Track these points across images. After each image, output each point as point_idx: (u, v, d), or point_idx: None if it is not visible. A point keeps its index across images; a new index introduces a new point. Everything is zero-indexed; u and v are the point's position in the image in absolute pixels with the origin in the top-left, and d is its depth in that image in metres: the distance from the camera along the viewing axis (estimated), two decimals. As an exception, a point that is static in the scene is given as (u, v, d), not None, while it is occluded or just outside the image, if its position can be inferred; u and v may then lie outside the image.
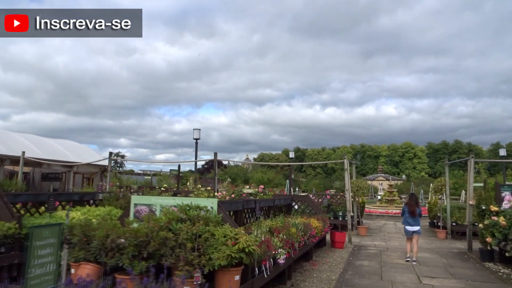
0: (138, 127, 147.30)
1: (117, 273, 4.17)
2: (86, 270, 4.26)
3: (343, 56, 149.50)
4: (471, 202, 10.65)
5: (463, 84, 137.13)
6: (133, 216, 5.49)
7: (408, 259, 9.14)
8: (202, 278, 3.98)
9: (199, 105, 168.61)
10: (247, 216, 7.76)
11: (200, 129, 18.49)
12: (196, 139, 18.27)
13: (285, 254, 5.83)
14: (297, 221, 7.61)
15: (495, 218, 8.48)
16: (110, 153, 15.74)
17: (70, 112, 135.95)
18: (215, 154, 13.34)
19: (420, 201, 31.09)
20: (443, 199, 16.95)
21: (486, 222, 8.79)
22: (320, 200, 16.23)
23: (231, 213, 7.10)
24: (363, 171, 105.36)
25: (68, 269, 4.42)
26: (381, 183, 64.47)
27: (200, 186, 26.28)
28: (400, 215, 20.83)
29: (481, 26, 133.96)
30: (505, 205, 9.12)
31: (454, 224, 13.67)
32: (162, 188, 13.64)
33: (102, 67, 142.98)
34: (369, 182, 54.66)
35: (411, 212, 9.10)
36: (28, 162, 15.55)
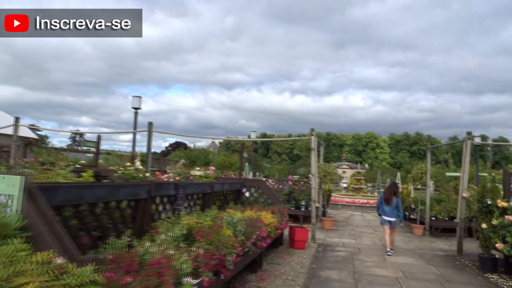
0: (101, 105, 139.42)
1: None
2: None
3: (315, 45, 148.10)
4: (464, 195, 8.51)
5: (427, 79, 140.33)
6: None
7: (389, 253, 8.33)
8: None
9: (167, 86, 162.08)
10: (160, 208, 4.99)
11: (141, 97, 15.31)
12: (136, 109, 15.08)
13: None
14: (235, 218, 4.92)
15: (511, 217, 6.28)
16: (17, 118, 12.30)
17: (28, 87, 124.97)
18: (150, 125, 10.40)
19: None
20: (418, 189, 15.05)
21: (494, 222, 6.59)
22: (281, 186, 13.77)
23: (133, 202, 4.35)
24: (328, 159, 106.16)
25: None
26: (345, 171, 63.85)
27: (139, 164, 22.84)
28: (374, 205, 18.73)
29: (447, 24, 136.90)
30: (515, 199, 6.99)
31: (433, 219, 11.68)
32: (78, 166, 10.61)
33: (64, 41, 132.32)
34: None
35: (386, 200, 8.58)
36: None
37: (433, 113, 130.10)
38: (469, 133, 8.64)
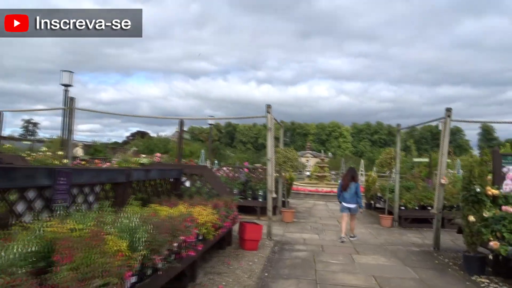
0: (58, 93, 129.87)
1: None
2: None
3: (281, 35, 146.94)
4: (443, 181, 7.31)
5: (389, 71, 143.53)
6: None
7: (344, 239, 8.04)
8: None
9: (129, 74, 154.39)
10: (21, 207, 3.18)
11: (72, 72, 12.98)
12: (66, 85, 12.77)
13: None
14: (134, 219, 3.18)
15: (509, 208, 5.04)
16: None
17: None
18: (71, 101, 8.39)
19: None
20: (388, 176, 14.04)
21: (486, 214, 5.34)
22: (236, 175, 12.17)
23: None
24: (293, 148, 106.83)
25: None
26: (308, 160, 63.56)
27: (80, 152, 20.40)
28: (335, 193, 17.54)
29: (409, 17, 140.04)
30: (506, 186, 5.81)
31: (402, 208, 10.59)
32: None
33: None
34: (299, 158, 52.95)
35: (343, 186, 8.34)
36: None
37: (394, 104, 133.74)
38: (448, 110, 7.42)
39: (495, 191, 5.65)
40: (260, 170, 12.95)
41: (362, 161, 29.29)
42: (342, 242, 7.89)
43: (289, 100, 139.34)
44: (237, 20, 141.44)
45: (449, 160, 24.88)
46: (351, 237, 8.30)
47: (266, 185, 11.63)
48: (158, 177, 6.10)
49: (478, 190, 5.60)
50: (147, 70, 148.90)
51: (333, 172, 29.71)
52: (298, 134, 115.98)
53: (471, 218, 5.62)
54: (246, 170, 11.86)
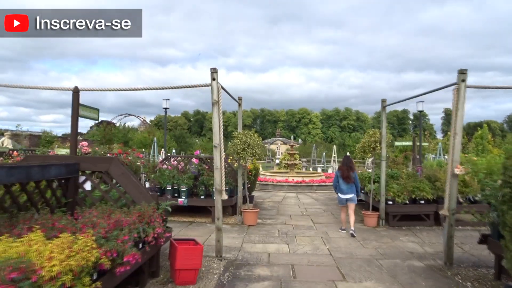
0: (16, 82, 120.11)
1: None
2: None
3: (250, 20, 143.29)
4: (457, 171, 5.24)
5: (356, 57, 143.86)
6: None
7: (344, 231, 7.86)
8: None
9: (94, 61, 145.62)
10: None
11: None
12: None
13: None
14: None
15: None
16: None
17: None
18: None
19: (322, 164, 27.41)
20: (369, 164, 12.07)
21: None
22: (189, 167, 9.73)
23: None
24: (262, 135, 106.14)
25: None
26: (279, 147, 61.84)
27: (7, 142, 17.49)
28: (310, 183, 15.82)
29: (376, 3, 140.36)
30: None
31: (390, 202, 8.61)
32: None
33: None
34: (269, 146, 50.93)
35: (346, 178, 7.87)
36: None
37: (361, 90, 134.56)
38: (462, 72, 5.32)
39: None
40: (216, 160, 10.56)
41: (334, 146, 27.61)
42: (344, 231, 7.81)
43: (259, 87, 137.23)
44: (204, 5, 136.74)
45: (426, 143, 23.54)
46: (351, 232, 7.55)
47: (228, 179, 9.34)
48: (30, 179, 3.58)
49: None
50: (113, 57, 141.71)
51: (304, 159, 27.86)
52: (268, 121, 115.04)
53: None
54: (196, 161, 9.42)
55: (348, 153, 27.99)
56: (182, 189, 8.87)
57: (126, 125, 58.75)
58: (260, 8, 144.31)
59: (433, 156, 19.95)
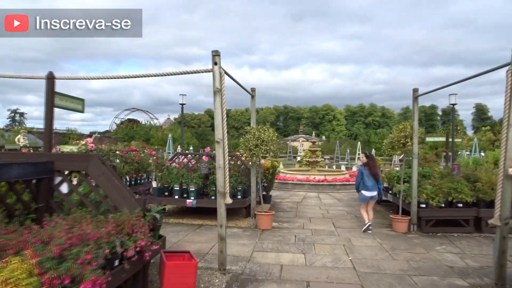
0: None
1: None
2: None
3: (273, 18, 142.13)
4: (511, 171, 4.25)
5: (382, 52, 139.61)
6: None
7: (370, 230, 7.48)
8: None
9: (119, 61, 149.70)
10: None
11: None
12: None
13: None
14: None
15: None
16: None
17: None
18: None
19: (346, 162, 26.18)
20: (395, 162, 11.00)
21: None
22: (199, 165, 9.06)
23: None
24: (286, 132, 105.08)
25: None
26: (302, 144, 60.65)
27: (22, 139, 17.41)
28: (332, 183, 15.09)
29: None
30: None
31: (423, 206, 7.59)
32: None
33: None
34: (291, 143, 49.89)
35: (375, 174, 7.59)
36: None
37: (387, 85, 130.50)
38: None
39: None
40: (230, 157, 9.83)
41: (359, 143, 26.37)
42: (369, 231, 7.46)
43: (282, 84, 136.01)
44: (227, 3, 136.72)
45: (458, 139, 21.95)
46: (369, 228, 7.52)
47: (234, 178, 8.61)
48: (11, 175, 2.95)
49: None
50: (138, 56, 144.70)
51: (326, 157, 26.72)
52: (291, 118, 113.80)
53: None
54: (205, 158, 8.69)
55: (373, 150, 26.68)
56: (190, 189, 8.19)
57: (150, 123, 59.31)
58: (284, 5, 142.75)
59: (467, 153, 18.45)
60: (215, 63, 4.78)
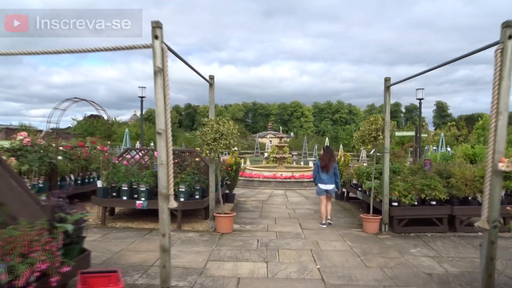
0: (6, 77, 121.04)
1: None
2: None
3: (243, 14, 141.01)
4: (502, 166, 3.68)
5: (349, 51, 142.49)
6: None
7: (324, 225, 7.53)
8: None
9: (83, 56, 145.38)
10: None
11: None
12: None
13: None
14: None
15: None
16: None
17: None
18: None
19: (314, 158, 25.84)
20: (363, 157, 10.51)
21: None
22: (150, 161, 8.11)
23: None
24: (254, 128, 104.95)
25: None
26: (271, 140, 60.32)
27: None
28: (300, 179, 14.98)
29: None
30: None
31: (395, 204, 7.06)
32: None
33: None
34: (259, 139, 49.26)
35: (324, 167, 7.68)
36: None
37: (354, 83, 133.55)
38: (509, 25, 3.74)
39: None
40: (187, 154, 8.91)
41: (327, 139, 26.14)
42: (324, 225, 7.51)
43: (252, 81, 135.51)
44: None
45: (425, 135, 22.11)
46: (328, 222, 7.65)
47: (192, 176, 7.73)
48: None
49: None
50: (102, 50, 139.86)
51: (294, 153, 26.27)
52: (260, 115, 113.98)
53: None
54: (156, 154, 7.74)
55: (341, 146, 26.56)
56: (141, 189, 7.22)
57: (113, 119, 56.56)
58: (254, 1, 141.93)
59: (434, 148, 18.53)
60: (156, 37, 3.88)
